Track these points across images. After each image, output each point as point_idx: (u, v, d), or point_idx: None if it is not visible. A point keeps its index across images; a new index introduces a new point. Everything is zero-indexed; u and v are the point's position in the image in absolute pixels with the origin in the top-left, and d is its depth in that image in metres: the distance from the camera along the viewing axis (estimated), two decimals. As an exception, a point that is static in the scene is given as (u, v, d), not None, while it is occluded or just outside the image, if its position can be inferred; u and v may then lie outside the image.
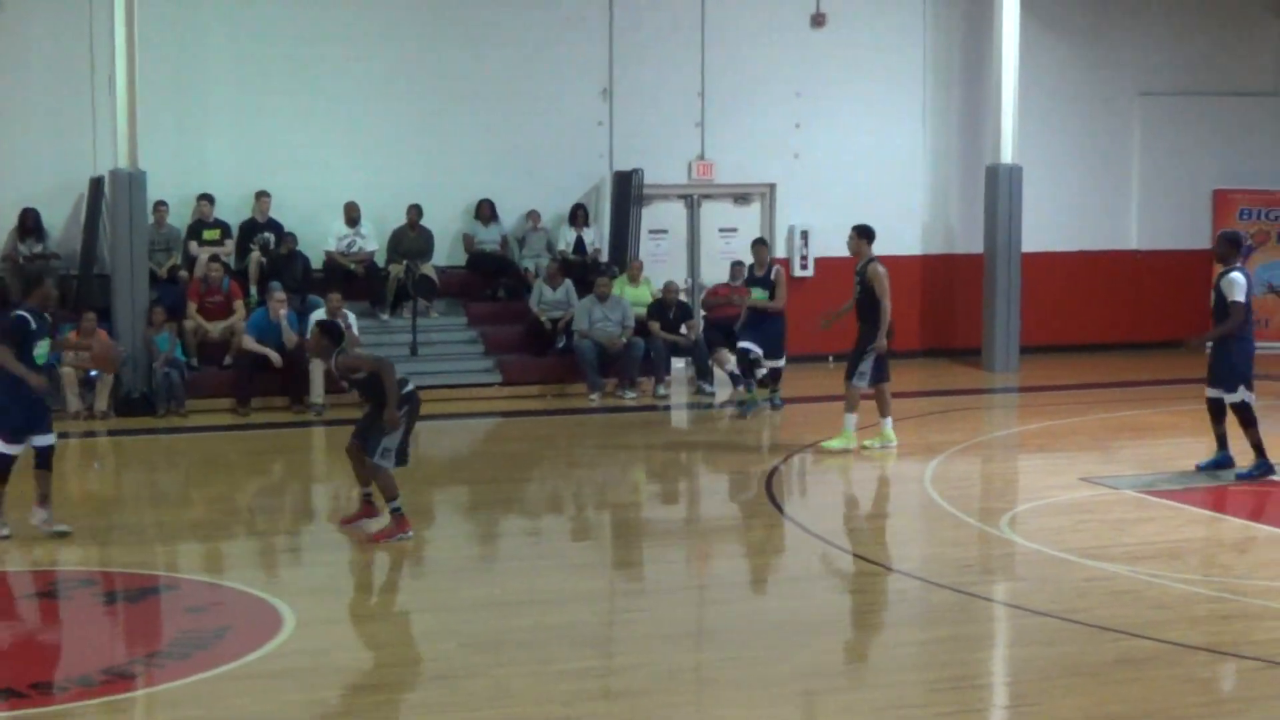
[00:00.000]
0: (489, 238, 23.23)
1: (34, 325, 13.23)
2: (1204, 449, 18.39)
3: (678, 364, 22.83)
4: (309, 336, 14.51)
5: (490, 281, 23.24)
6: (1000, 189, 23.80)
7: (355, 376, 13.43)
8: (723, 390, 22.12)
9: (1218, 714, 9.52)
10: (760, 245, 20.63)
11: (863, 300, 17.41)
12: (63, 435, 19.23)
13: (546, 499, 16.44)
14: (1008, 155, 23.80)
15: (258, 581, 12.45)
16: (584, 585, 12.47)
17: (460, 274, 23.27)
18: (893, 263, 24.60)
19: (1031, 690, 10.02)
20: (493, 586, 12.52)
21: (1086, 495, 15.56)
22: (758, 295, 20.23)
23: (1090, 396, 21.83)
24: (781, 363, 20.51)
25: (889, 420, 17.63)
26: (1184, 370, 23.88)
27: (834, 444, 17.56)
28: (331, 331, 13.63)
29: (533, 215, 23.40)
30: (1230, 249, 16.10)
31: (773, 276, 20.17)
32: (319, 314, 20.65)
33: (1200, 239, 26.34)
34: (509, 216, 23.44)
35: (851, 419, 17.53)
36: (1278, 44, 26.61)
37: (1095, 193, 25.93)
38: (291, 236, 22.10)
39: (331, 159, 22.73)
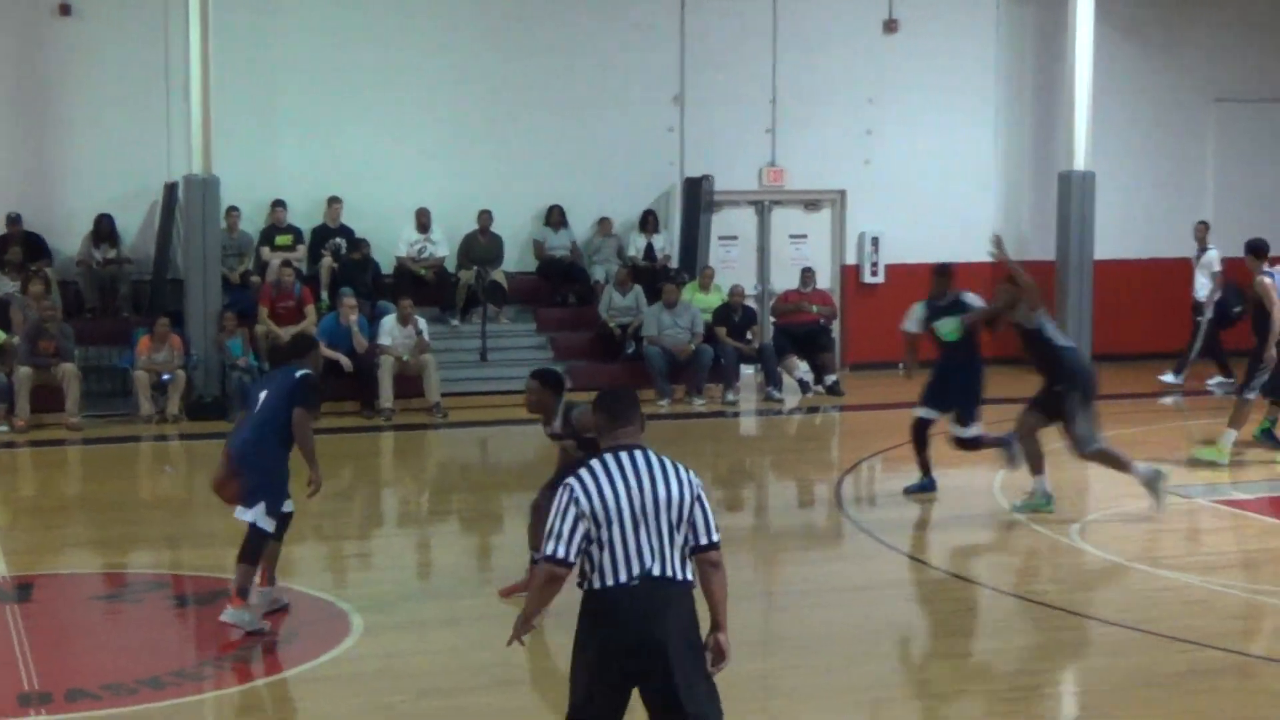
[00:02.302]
0: (559, 244, 23.27)
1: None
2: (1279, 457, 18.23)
3: (746, 370, 22.79)
4: (526, 391, 11.50)
5: (560, 287, 23.28)
6: (1073, 195, 23.63)
7: (587, 435, 10.75)
8: (791, 397, 22.05)
9: (1290, 726, 9.42)
10: (942, 272, 16.42)
11: (1256, 314, 17.11)
12: (134, 439, 19.45)
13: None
14: (1080, 162, 23.63)
15: (326, 585, 12.51)
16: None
17: (530, 280, 23.31)
18: (963, 269, 24.64)
19: (1101, 701, 9.94)
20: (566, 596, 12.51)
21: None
22: (947, 331, 16.08)
23: (1165, 407, 21.65)
24: (971, 431, 15.80)
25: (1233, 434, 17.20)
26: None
27: (1204, 453, 17.17)
28: (555, 383, 11.52)
29: (603, 222, 23.42)
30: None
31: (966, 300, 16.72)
32: (389, 320, 20.73)
33: (1276, 246, 26.04)
34: (579, 223, 23.47)
35: (1231, 435, 17.05)
36: (1355, 49, 26.34)
37: (1169, 200, 25.72)
38: (363, 242, 22.20)
39: (403, 165, 22.82)
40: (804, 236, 24.72)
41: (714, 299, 22.70)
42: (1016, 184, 25.15)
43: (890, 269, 24.49)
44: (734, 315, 22.29)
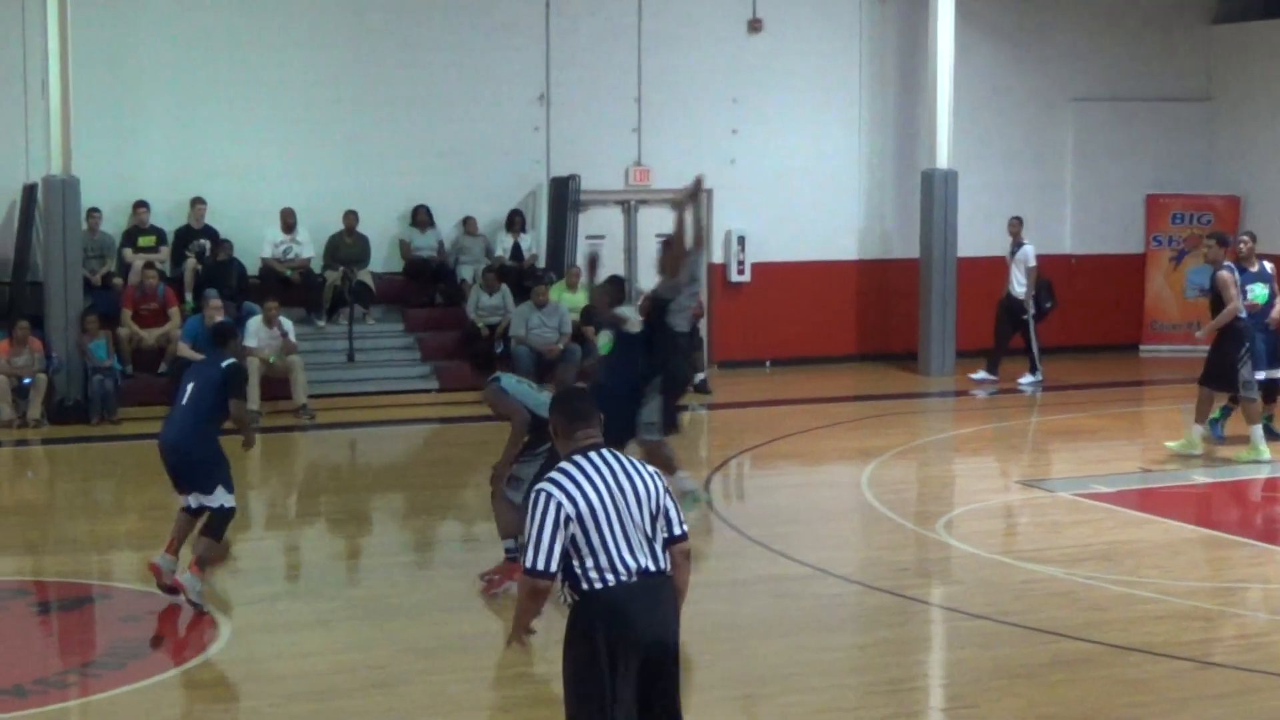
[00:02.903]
0: (425, 244, 23.19)
1: None
2: (1137, 451, 18.57)
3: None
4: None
5: (427, 288, 23.20)
6: (936, 194, 23.89)
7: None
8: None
9: (1150, 714, 9.60)
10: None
11: (1214, 307, 17.17)
12: (-4, 444, 19.13)
13: (483, 505, 16.37)
14: (943, 160, 23.91)
15: (194, 590, 12.37)
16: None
17: (397, 280, 23.20)
18: (828, 268, 24.92)
19: (967, 692, 10.08)
20: (429, 592, 12.50)
21: (1022, 498, 15.67)
22: (1260, 295, 17.89)
23: (1025, 400, 21.96)
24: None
25: (1259, 427, 17.21)
26: (1116, 374, 24.11)
27: (1174, 445, 17.30)
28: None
29: (469, 221, 23.36)
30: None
31: (1271, 270, 18.34)
32: (254, 322, 20.57)
33: (1134, 244, 26.55)
34: (446, 223, 23.38)
35: (1258, 430, 17.05)
36: (1208, 51, 26.84)
37: (1030, 198, 26.07)
38: (227, 243, 21.99)
39: (267, 165, 22.62)
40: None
41: (581, 298, 22.71)
42: (880, 182, 25.38)
43: (757, 268, 24.63)
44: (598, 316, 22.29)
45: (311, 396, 20.42)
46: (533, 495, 6.95)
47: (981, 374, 22.93)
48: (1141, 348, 26.31)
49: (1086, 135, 26.31)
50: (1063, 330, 25.91)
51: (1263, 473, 16.63)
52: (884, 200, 25.33)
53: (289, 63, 22.66)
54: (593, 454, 7.03)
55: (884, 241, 25.34)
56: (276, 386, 20.40)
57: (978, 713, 9.65)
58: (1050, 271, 24.97)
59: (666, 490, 7.11)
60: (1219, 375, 17.00)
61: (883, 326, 25.14)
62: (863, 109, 25.20)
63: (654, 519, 7.01)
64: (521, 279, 22.72)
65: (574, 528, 6.87)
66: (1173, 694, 9.94)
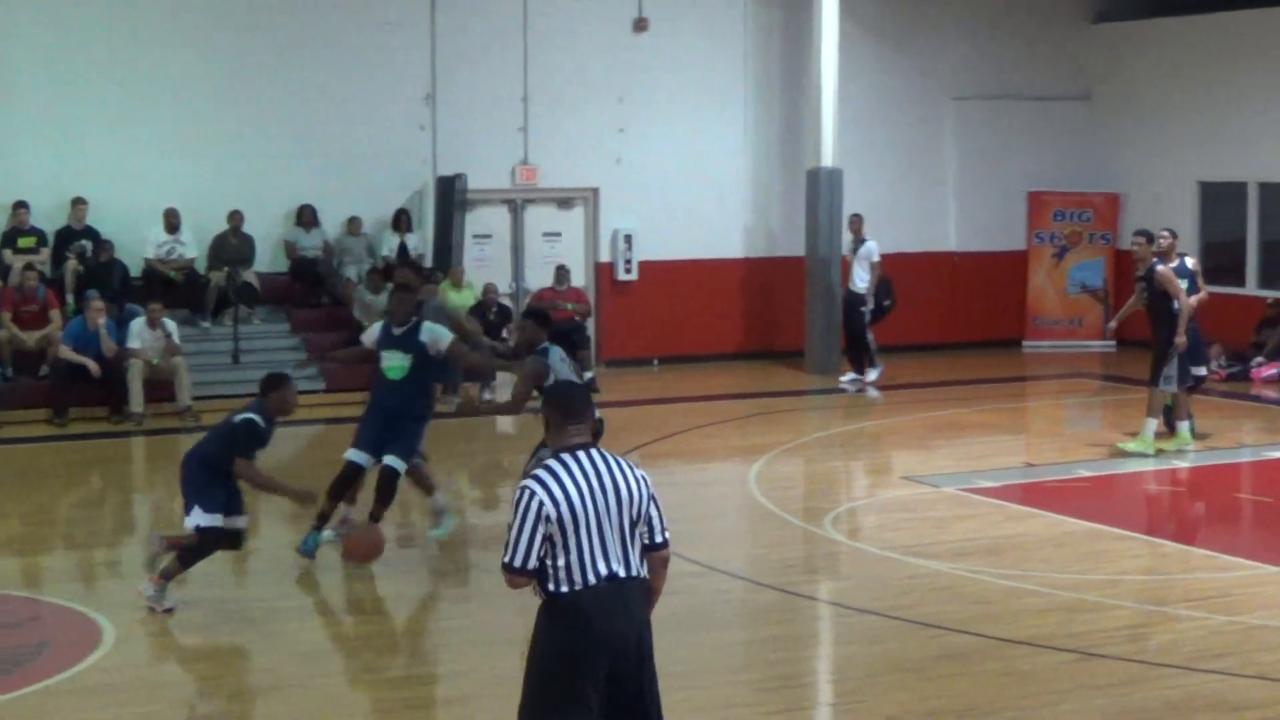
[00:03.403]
0: (311, 244, 23.04)
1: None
2: (1021, 445, 18.80)
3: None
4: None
5: (313, 288, 23.05)
6: (820, 192, 24.03)
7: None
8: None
9: (1035, 705, 9.72)
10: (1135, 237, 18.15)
11: (1153, 303, 17.25)
12: (-128, 449, 18.81)
13: (369, 506, 16.30)
14: (828, 159, 24.06)
15: (77, 595, 12.25)
16: (407, 592, 12.43)
17: (282, 280, 23.04)
18: (715, 266, 25.01)
19: (856, 687, 10.17)
20: (316, 595, 12.43)
21: (908, 494, 15.79)
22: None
23: (909, 396, 22.13)
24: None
25: (1187, 423, 17.46)
26: (1000, 370, 24.37)
27: (1131, 446, 17.26)
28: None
29: (355, 221, 23.24)
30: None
31: (1191, 265, 18.27)
32: (138, 323, 20.36)
33: (1015, 241, 26.84)
34: (331, 222, 23.25)
35: (1152, 424, 17.22)
36: (1087, 50, 27.18)
37: (913, 196, 26.31)
38: (109, 244, 21.74)
39: (150, 165, 22.38)
40: (558, 234, 24.79)
41: (467, 297, 22.67)
42: (766, 181, 25.50)
43: (644, 266, 24.67)
44: (488, 314, 22.28)
45: (196, 398, 20.23)
46: (517, 491, 6.95)
47: (851, 375, 23.00)
48: (1024, 343, 26.60)
49: (969, 133, 26.58)
50: (946, 327, 26.21)
51: (1146, 466, 16.88)
52: (769, 198, 25.46)
53: (171, 60, 22.43)
54: (581, 454, 7.01)
55: (769, 240, 25.47)
56: (161, 388, 20.19)
57: (865, 707, 9.73)
58: (932, 269, 25.24)
59: (652, 497, 7.07)
60: (1153, 372, 17.23)
61: (769, 324, 25.26)
62: (748, 108, 25.31)
63: (634, 524, 6.99)
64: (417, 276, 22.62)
65: (551, 527, 6.88)
66: (1057, 685, 10.07)
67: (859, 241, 23.06)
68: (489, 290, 22.61)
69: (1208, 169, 25.43)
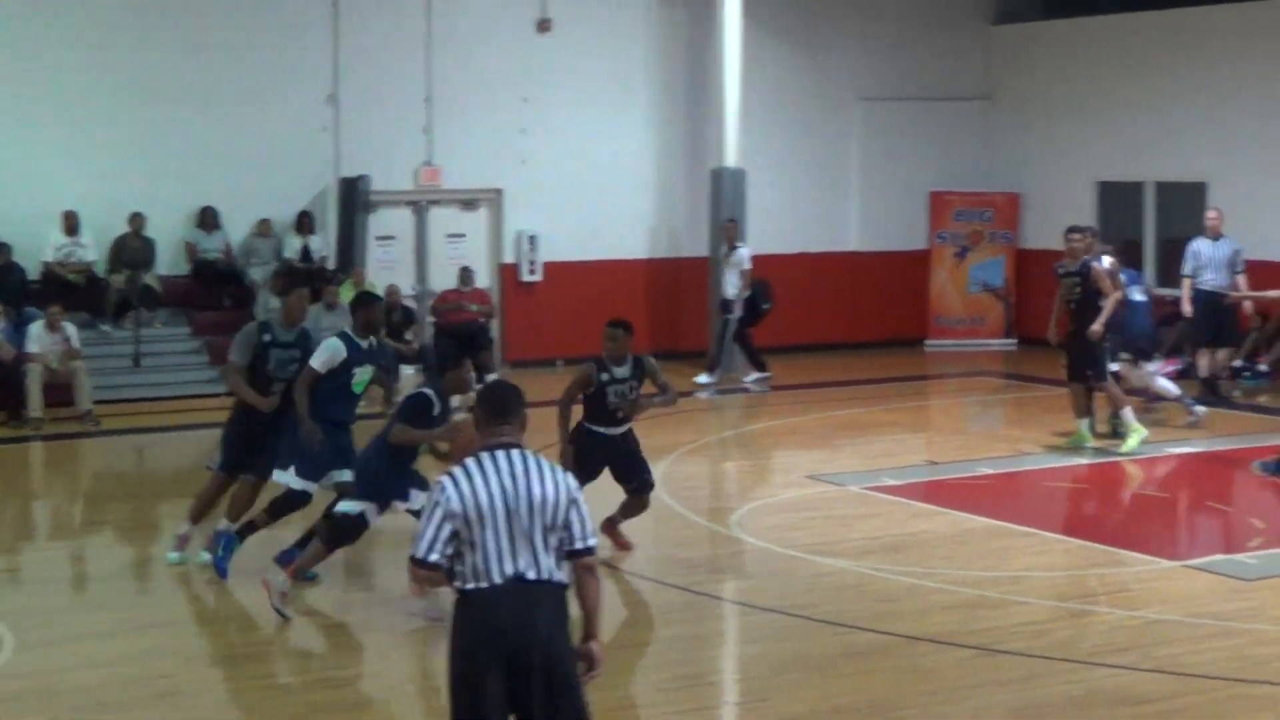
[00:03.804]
0: (213, 246, 22.87)
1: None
2: (924, 444, 18.94)
3: (406, 371, 22.67)
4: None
5: (215, 290, 22.88)
6: (724, 192, 24.10)
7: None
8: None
9: (938, 701, 9.80)
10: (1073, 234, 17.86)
11: (1085, 299, 17.20)
12: None
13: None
14: (731, 159, 24.14)
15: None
16: (313, 596, 12.35)
17: (184, 283, 22.85)
18: (620, 266, 25.02)
19: (761, 686, 10.21)
20: (219, 600, 12.34)
21: (812, 492, 15.86)
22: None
23: (813, 396, 22.23)
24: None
25: (1087, 421, 17.57)
26: (902, 369, 24.53)
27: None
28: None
29: (265, 223, 23.07)
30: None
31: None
32: (36, 327, 20.13)
33: (917, 240, 27.02)
34: (233, 224, 23.08)
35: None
36: (988, 51, 27.42)
37: (817, 196, 26.43)
38: (7, 247, 21.48)
39: (48, 167, 22.12)
40: (462, 236, 24.72)
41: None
42: (671, 181, 25.53)
43: (549, 267, 24.64)
44: (392, 315, 22.18)
45: (97, 402, 20.02)
46: (433, 487, 6.98)
47: (754, 375, 23.05)
48: (926, 343, 26.78)
49: (872, 134, 26.74)
50: (849, 327, 26.35)
51: (1048, 462, 17.06)
52: (674, 199, 25.50)
53: (70, 60, 22.17)
54: (500, 453, 7.01)
55: (674, 240, 25.52)
56: (60, 392, 19.95)
57: (771, 705, 9.77)
58: (835, 269, 25.38)
59: (573, 502, 7.04)
60: (1083, 369, 17.37)
61: (673, 325, 25.29)
62: (652, 109, 25.35)
63: (549, 528, 6.97)
64: (312, 281, 22.48)
65: (458, 523, 6.89)
66: (961, 682, 10.16)
67: (731, 248, 23.14)
68: (392, 292, 22.51)
69: (1106, 169, 25.71)
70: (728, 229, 23.39)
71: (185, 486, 17.26)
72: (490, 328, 23.38)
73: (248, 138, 22.94)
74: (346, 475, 11.98)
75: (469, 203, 24.76)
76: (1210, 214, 21.28)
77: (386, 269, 23.76)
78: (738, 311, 22.85)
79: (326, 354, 12.18)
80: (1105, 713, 9.61)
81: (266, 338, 12.87)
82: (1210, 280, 20.57)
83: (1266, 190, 23.18)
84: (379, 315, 12.74)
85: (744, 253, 23.01)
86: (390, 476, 11.74)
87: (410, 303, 23.38)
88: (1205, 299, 20.45)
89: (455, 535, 6.91)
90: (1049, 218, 25.81)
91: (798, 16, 26.14)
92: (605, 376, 12.97)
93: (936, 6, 27.14)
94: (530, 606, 6.91)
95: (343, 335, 12.40)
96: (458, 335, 22.39)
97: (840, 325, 26.32)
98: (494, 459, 7.00)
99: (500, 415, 7.14)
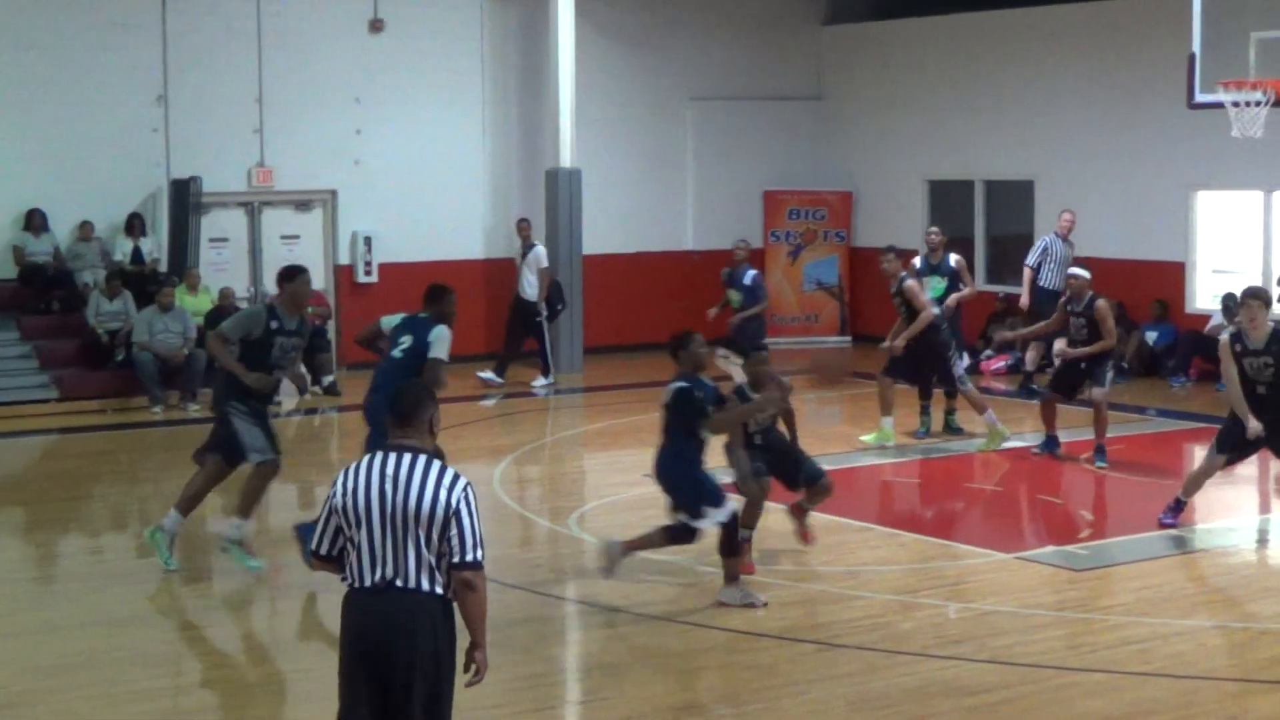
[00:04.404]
0: (41, 249, 22.46)
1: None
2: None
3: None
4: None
5: (43, 294, 22.47)
6: (560, 192, 24.15)
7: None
8: (288, 399, 21.76)
9: (781, 696, 9.91)
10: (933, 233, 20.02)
11: (910, 314, 17.50)
12: None
13: (109, 516, 16.01)
14: (566, 159, 24.18)
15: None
16: (151, 604, 12.21)
17: (11, 287, 22.42)
18: (457, 267, 24.93)
19: (603, 684, 10.26)
20: (53, 609, 12.15)
21: (652, 491, 15.87)
22: (936, 289, 19.32)
23: (652, 394, 22.27)
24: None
25: (890, 419, 17.82)
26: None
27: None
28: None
29: (86, 226, 22.71)
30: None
31: (954, 264, 19.67)
32: None
33: (752, 239, 27.19)
34: (61, 227, 22.68)
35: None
36: (819, 51, 27.72)
37: (652, 195, 26.55)
38: None
39: None
40: (296, 237, 24.50)
41: (203, 301, 22.33)
42: (506, 181, 25.50)
43: (384, 268, 24.51)
44: (225, 318, 21.92)
45: (-79, 410, 19.63)
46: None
47: (489, 374, 23.11)
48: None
49: (705, 133, 26.92)
50: (684, 325, 26.41)
51: (886, 458, 17.30)
52: (509, 199, 25.47)
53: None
54: (392, 454, 6.96)
55: (510, 240, 25.47)
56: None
57: (612, 703, 9.82)
58: (670, 268, 25.49)
59: (457, 513, 6.86)
60: (912, 369, 17.72)
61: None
62: (486, 108, 25.31)
63: (426, 537, 6.85)
64: (143, 284, 22.19)
65: (340, 519, 6.94)
66: (802, 676, 10.27)
67: (527, 247, 23.24)
68: (226, 294, 22.29)
69: (936, 167, 26.11)
70: (520, 228, 23.50)
71: (14, 493, 17.01)
72: (327, 330, 23.23)
73: (76, 139, 22.58)
74: None
75: (303, 204, 24.56)
76: (1065, 215, 21.88)
77: (220, 271, 23.50)
78: (543, 311, 23.04)
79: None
80: (942, 703, 9.77)
81: (274, 324, 12.72)
82: (1049, 279, 21.11)
83: (1089, 187, 23.69)
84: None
85: (540, 251, 23.18)
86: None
87: (244, 305, 23.14)
88: (1044, 296, 20.91)
89: (339, 531, 6.95)
90: (881, 216, 26.18)
91: (631, 16, 26.25)
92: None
93: (768, 7, 27.39)
94: (397, 614, 6.84)
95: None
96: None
97: (676, 324, 26.32)
98: (384, 461, 6.95)
99: (401, 418, 7.07)
